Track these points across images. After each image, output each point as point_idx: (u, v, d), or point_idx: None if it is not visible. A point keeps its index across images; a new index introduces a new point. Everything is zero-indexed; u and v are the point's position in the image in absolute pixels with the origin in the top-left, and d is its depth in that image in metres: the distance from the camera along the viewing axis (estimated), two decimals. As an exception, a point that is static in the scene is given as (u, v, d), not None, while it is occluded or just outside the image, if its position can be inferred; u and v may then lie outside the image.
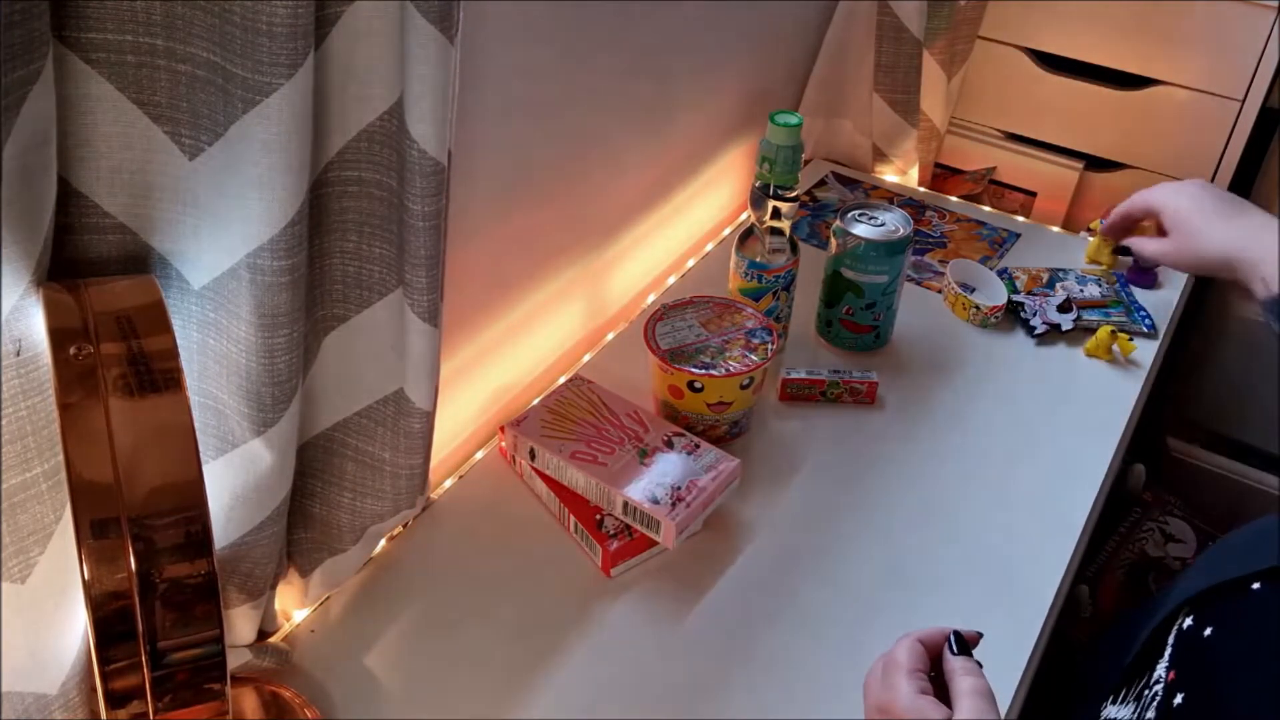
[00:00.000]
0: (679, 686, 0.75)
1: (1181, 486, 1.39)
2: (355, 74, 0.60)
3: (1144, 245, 0.99)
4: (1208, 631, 0.61)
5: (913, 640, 0.62)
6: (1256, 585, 0.61)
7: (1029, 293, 1.12)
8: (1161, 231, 0.96)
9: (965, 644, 0.63)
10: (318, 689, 0.73)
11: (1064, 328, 1.08)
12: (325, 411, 0.73)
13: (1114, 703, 0.68)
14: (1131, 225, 1.03)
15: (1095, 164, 1.42)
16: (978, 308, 1.10)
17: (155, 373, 0.47)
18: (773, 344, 0.93)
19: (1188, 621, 0.63)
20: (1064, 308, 1.09)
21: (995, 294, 1.12)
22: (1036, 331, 1.08)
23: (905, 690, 0.59)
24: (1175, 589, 0.69)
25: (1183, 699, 0.59)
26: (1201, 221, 0.91)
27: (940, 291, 1.15)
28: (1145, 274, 1.18)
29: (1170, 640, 0.64)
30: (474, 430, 0.95)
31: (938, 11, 1.26)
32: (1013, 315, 1.12)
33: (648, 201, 1.11)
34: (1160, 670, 0.62)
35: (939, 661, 0.62)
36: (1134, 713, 0.64)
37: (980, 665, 0.61)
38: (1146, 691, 0.65)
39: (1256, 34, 1.25)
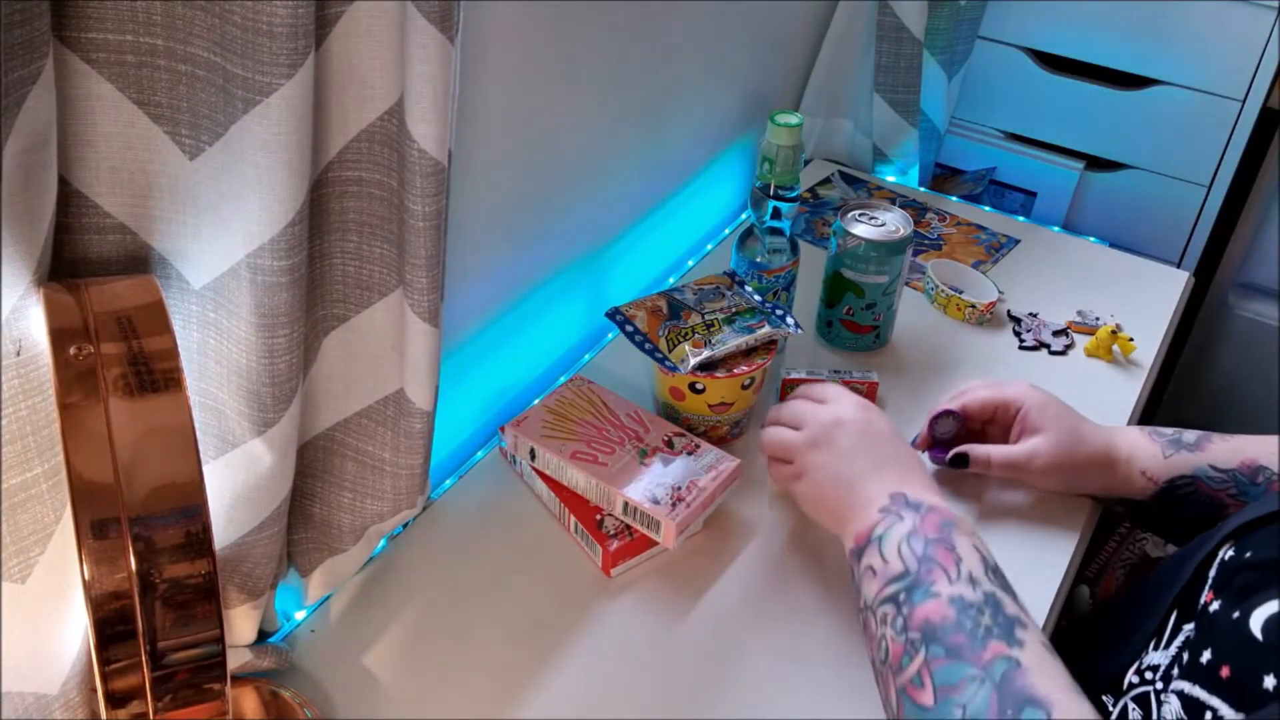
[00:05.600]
0: (679, 686, 0.75)
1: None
2: (355, 74, 0.60)
3: (1018, 452, 0.86)
4: (1248, 554, 0.63)
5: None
6: None
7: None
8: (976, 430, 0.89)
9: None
10: (318, 689, 0.73)
11: (1053, 349, 1.08)
12: (325, 411, 0.73)
13: (1154, 649, 0.69)
14: (986, 414, 0.89)
15: (1095, 164, 1.42)
16: (974, 306, 1.10)
17: (155, 373, 0.47)
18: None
19: (1229, 553, 0.65)
20: (1060, 333, 1.09)
21: (984, 292, 1.11)
22: (1024, 344, 1.08)
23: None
24: (1217, 530, 0.70)
25: (1219, 605, 0.61)
26: (1072, 416, 0.87)
27: (922, 291, 1.15)
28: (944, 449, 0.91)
29: (1211, 573, 0.66)
30: (474, 430, 0.95)
31: (938, 11, 1.26)
32: (1009, 318, 1.12)
33: (648, 201, 1.11)
34: (1201, 599, 0.64)
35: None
36: (1176, 651, 0.66)
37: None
38: (1186, 625, 0.66)
39: (1256, 34, 1.26)
